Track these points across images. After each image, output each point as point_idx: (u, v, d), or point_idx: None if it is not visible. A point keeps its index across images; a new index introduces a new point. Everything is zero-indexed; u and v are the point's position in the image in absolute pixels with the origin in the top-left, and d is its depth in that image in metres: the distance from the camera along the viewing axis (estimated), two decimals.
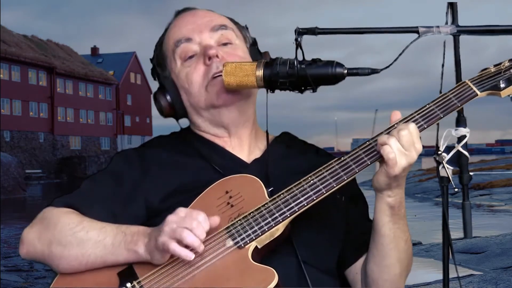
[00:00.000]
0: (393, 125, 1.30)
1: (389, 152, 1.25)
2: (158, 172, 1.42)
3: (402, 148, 1.25)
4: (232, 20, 1.54)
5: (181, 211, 1.22)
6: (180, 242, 1.19)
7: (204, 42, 1.45)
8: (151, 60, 1.56)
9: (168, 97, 1.48)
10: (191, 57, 1.46)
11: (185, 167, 1.44)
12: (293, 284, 1.32)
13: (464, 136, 1.33)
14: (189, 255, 1.20)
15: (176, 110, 1.49)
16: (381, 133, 1.30)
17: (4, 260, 8.27)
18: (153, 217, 1.37)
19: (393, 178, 1.28)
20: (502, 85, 1.31)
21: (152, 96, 1.53)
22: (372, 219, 1.38)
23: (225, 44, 1.47)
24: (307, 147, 1.57)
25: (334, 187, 1.28)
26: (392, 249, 1.36)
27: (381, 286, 1.39)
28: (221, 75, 1.38)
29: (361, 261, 1.45)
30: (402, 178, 1.30)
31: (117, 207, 1.38)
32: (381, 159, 1.29)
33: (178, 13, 1.53)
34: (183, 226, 1.20)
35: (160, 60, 1.52)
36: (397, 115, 1.31)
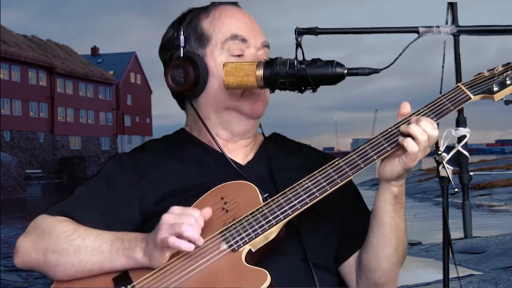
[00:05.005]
0: (397, 123, 1.30)
1: (413, 146, 1.26)
2: (152, 177, 1.42)
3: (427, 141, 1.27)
4: None
5: (176, 209, 1.23)
6: (179, 236, 1.20)
7: (255, 53, 1.46)
8: (180, 20, 1.50)
9: (197, 72, 1.43)
10: (238, 55, 1.45)
11: (179, 171, 1.43)
12: (297, 283, 1.32)
13: (464, 136, 1.33)
14: (189, 246, 1.20)
15: (196, 88, 1.44)
16: (377, 136, 1.31)
17: (4, 260, 8.25)
18: (149, 220, 1.36)
19: (408, 169, 1.30)
20: (495, 89, 1.32)
21: (164, 68, 1.47)
22: (371, 209, 1.39)
23: None
24: (298, 146, 1.58)
25: (328, 190, 1.29)
26: (392, 238, 1.37)
27: (378, 276, 1.40)
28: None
29: (355, 254, 1.46)
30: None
31: (111, 212, 1.37)
32: (384, 157, 1.29)
33: (224, 3, 1.51)
34: (181, 222, 1.20)
35: (200, 34, 1.47)
36: (406, 107, 1.32)
